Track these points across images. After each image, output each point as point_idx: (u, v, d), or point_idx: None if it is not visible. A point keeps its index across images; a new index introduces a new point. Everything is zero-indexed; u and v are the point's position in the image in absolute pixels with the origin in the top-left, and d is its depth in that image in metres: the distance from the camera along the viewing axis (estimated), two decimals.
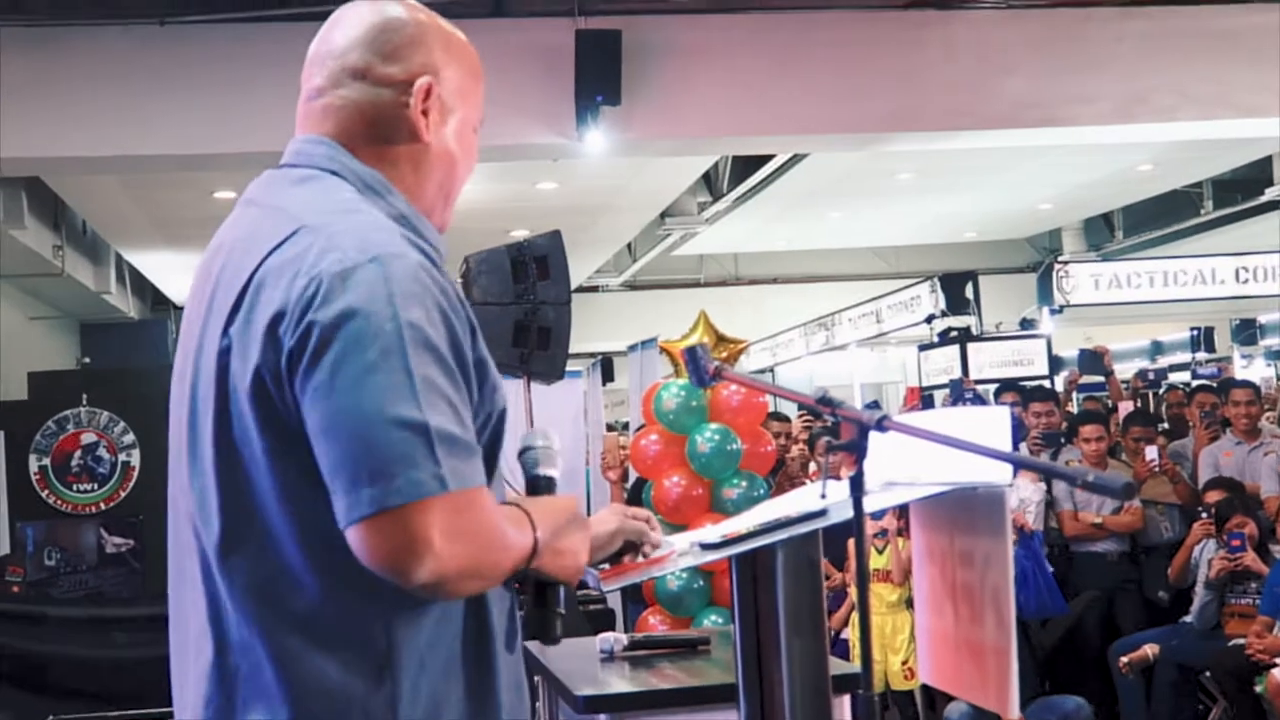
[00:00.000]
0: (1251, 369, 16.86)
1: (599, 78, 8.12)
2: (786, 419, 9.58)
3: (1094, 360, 10.35)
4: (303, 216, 1.82)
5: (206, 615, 1.83)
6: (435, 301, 1.76)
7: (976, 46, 8.86)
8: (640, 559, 2.35)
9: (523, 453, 2.14)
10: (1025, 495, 7.42)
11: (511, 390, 7.39)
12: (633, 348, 10.17)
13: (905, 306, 16.51)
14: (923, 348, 15.15)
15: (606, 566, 2.37)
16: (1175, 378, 15.42)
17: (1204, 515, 7.10)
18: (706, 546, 2.39)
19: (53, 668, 7.32)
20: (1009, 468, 2.21)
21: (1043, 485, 7.55)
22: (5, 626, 7.37)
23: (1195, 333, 16.86)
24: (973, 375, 12.95)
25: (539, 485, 2.13)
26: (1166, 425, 10.13)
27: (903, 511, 6.18)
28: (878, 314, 17.59)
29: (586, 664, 3.77)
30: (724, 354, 6.47)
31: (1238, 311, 17.47)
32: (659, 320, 11.66)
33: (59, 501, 8.22)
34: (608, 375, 11.44)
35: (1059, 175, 14.99)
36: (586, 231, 14.22)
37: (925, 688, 6.90)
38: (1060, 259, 17.15)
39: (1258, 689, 6.39)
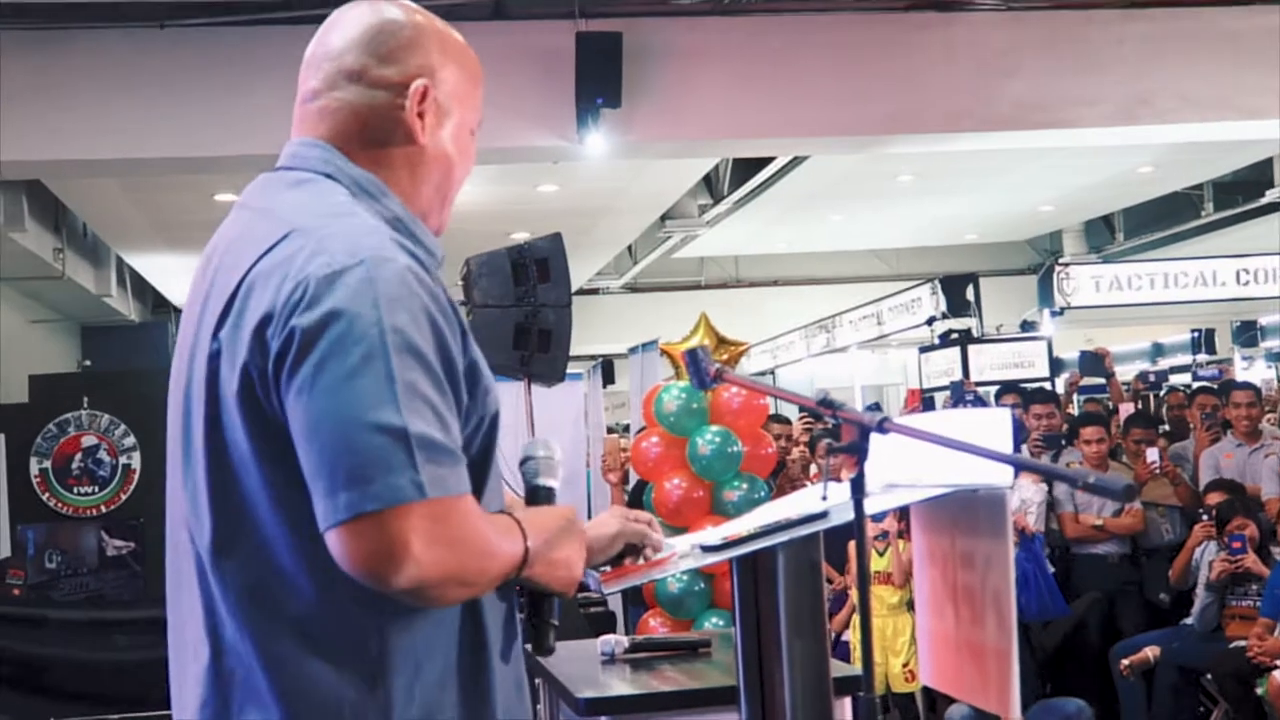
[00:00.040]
0: (1252, 371, 16.86)
1: (599, 80, 8.11)
2: (787, 421, 9.58)
3: (1095, 362, 10.34)
4: (294, 220, 1.82)
5: (203, 618, 1.83)
6: (422, 306, 1.75)
7: (977, 48, 8.86)
8: (641, 561, 2.34)
9: (523, 462, 2.14)
10: (1027, 496, 7.42)
11: (512, 393, 7.45)
12: (633, 350, 10.18)
13: (906, 309, 16.52)
14: (923, 350, 15.16)
15: (607, 569, 2.37)
16: (1176, 380, 15.40)
17: (1205, 517, 7.09)
18: (707, 549, 2.39)
19: (53, 670, 7.32)
20: (1010, 469, 2.20)
21: (1044, 486, 7.55)
22: (6, 629, 7.37)
23: (1196, 334, 16.84)
24: (973, 377, 12.96)
25: (538, 495, 2.13)
26: (1167, 427, 10.13)
27: (903, 513, 6.18)
28: (878, 316, 17.60)
29: (587, 666, 3.78)
30: (725, 356, 6.47)
31: (1238, 313, 17.47)
32: (659, 323, 11.65)
33: (60, 504, 8.23)
34: (608, 377, 11.44)
35: (1060, 177, 14.99)
36: (587, 234, 14.22)
37: (926, 690, 6.90)
38: (1061, 261, 17.15)
39: (1259, 691, 6.39)
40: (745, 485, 6.23)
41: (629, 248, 17.49)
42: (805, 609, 2.38)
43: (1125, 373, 14.08)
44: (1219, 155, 13.93)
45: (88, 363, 16.84)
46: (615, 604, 7.89)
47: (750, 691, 2.40)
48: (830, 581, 7.18)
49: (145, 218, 12.56)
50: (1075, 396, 11.43)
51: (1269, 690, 6.27)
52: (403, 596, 1.70)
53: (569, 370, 7.24)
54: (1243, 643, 6.53)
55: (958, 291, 14.74)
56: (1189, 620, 7.08)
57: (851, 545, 5.77)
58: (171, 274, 15.50)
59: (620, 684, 3.66)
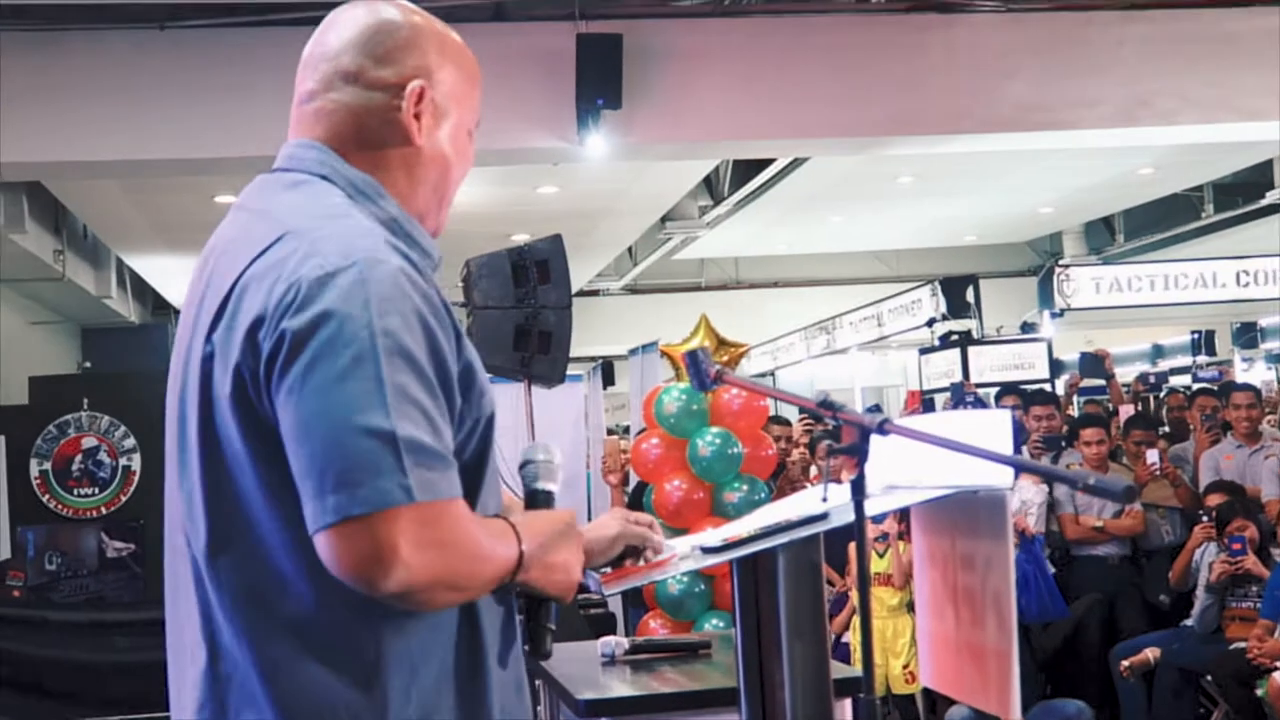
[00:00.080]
0: (1252, 372, 16.86)
1: (600, 81, 8.11)
2: (787, 423, 9.57)
3: (1095, 363, 10.35)
4: (288, 222, 1.82)
5: (199, 621, 1.83)
6: (414, 308, 1.75)
7: (977, 50, 8.86)
8: (642, 563, 2.34)
9: (523, 466, 2.14)
10: (1027, 497, 7.42)
11: (512, 394, 7.45)
12: (633, 351, 10.18)
13: (906, 310, 16.52)
14: (923, 351, 15.16)
15: (608, 570, 2.37)
16: (1176, 381, 15.38)
17: (1205, 519, 7.09)
18: (708, 550, 2.39)
19: (54, 672, 7.32)
20: (1010, 471, 2.20)
21: (1045, 487, 7.55)
22: (6, 631, 7.37)
23: (1196, 336, 16.84)
24: (973, 379, 12.97)
25: (537, 499, 2.12)
26: (1167, 428, 10.14)
27: (904, 515, 6.18)
28: (878, 317, 17.60)
29: (587, 668, 3.78)
30: (725, 358, 6.47)
31: (1238, 315, 17.47)
32: (660, 324, 11.66)
33: (60, 506, 8.23)
34: (608, 379, 11.44)
35: (1060, 179, 14.99)
36: (587, 235, 14.22)
37: (926, 691, 6.90)
38: (1061, 262, 17.15)
39: (1259, 692, 6.39)
40: (745, 487, 6.23)
41: (629, 249, 17.49)
42: (805, 610, 2.38)
43: (1125, 374, 14.09)
44: (1219, 157, 13.93)
45: (88, 364, 16.85)
46: (615, 605, 7.89)
47: (750, 693, 2.40)
48: (831, 584, 7.18)
49: (145, 219, 12.56)
50: (1075, 398, 11.44)
51: (1269, 692, 6.27)
52: (392, 600, 1.70)
53: (569, 372, 7.24)
54: (1243, 644, 6.53)
55: (958, 293, 14.74)
56: (1189, 622, 7.08)
57: (852, 547, 5.77)
58: (172, 275, 15.50)
59: (620, 685, 3.66)
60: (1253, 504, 7.35)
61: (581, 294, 17.05)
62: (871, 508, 2.14)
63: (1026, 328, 16.58)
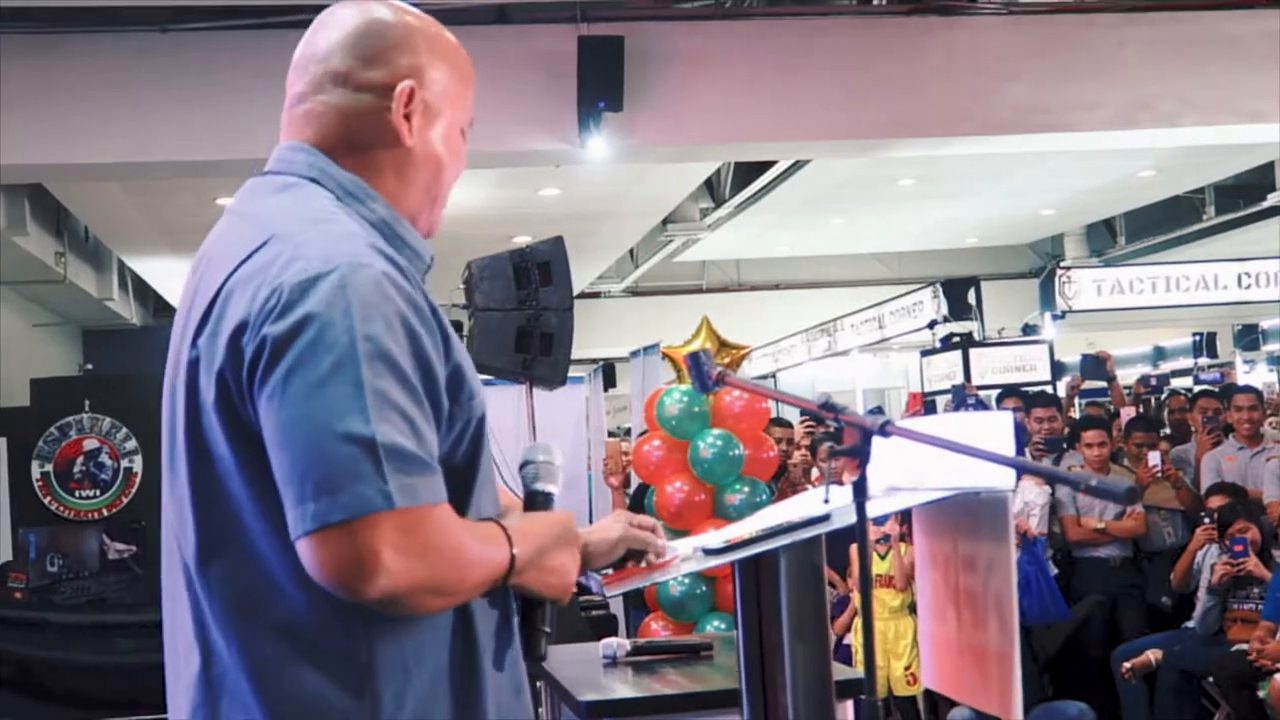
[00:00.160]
0: (1254, 374, 16.85)
1: (601, 84, 8.11)
2: (789, 424, 9.58)
3: (1096, 365, 10.34)
4: (275, 225, 1.81)
5: (193, 625, 1.83)
6: (397, 312, 1.73)
7: (978, 52, 8.87)
8: (643, 565, 2.34)
9: (523, 466, 2.13)
10: (1030, 499, 7.43)
11: (513, 396, 7.45)
12: (635, 354, 10.18)
13: (907, 312, 16.52)
14: (925, 353, 15.17)
15: (609, 571, 2.37)
16: (1177, 383, 15.39)
17: (1206, 520, 7.09)
18: (709, 551, 2.39)
19: (55, 674, 7.32)
20: (1012, 473, 2.20)
21: (1047, 489, 7.56)
22: (7, 633, 7.36)
23: (1197, 338, 16.85)
24: (975, 381, 12.97)
25: (536, 501, 2.11)
26: (1169, 430, 10.14)
27: (905, 517, 6.18)
28: (880, 320, 17.60)
29: (589, 669, 3.78)
30: (726, 360, 6.47)
31: (1240, 317, 17.46)
32: (661, 326, 11.67)
33: (61, 508, 8.23)
34: (610, 381, 11.45)
35: (1061, 181, 15.00)
36: (589, 238, 14.22)
37: (928, 693, 6.89)
38: (1062, 264, 17.15)
39: (1260, 694, 6.39)
40: (747, 489, 6.23)
41: (630, 251, 17.50)
42: (807, 612, 2.38)
43: (1127, 376, 14.08)
44: (1220, 159, 13.93)
45: (89, 366, 16.87)
46: (617, 607, 7.89)
47: (752, 694, 2.40)
48: (833, 586, 7.18)
49: (147, 221, 12.57)
50: (1077, 400, 11.43)
51: (1270, 693, 6.27)
52: (377, 606, 1.69)
53: (570, 374, 7.24)
54: (1244, 646, 6.52)
55: (959, 295, 14.75)
56: (1191, 623, 7.08)
57: (853, 548, 5.76)
58: (173, 278, 15.51)
59: (622, 687, 3.66)
60: (1254, 506, 7.35)
61: (583, 296, 17.06)
62: (873, 509, 2.14)
63: (1028, 330, 16.59)
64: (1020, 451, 6.88)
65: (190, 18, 8.17)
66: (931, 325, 15.12)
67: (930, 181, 14.45)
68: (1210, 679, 6.84)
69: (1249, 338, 17.64)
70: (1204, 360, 16.60)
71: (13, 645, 7.33)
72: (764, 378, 20.83)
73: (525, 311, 6.68)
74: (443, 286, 6.73)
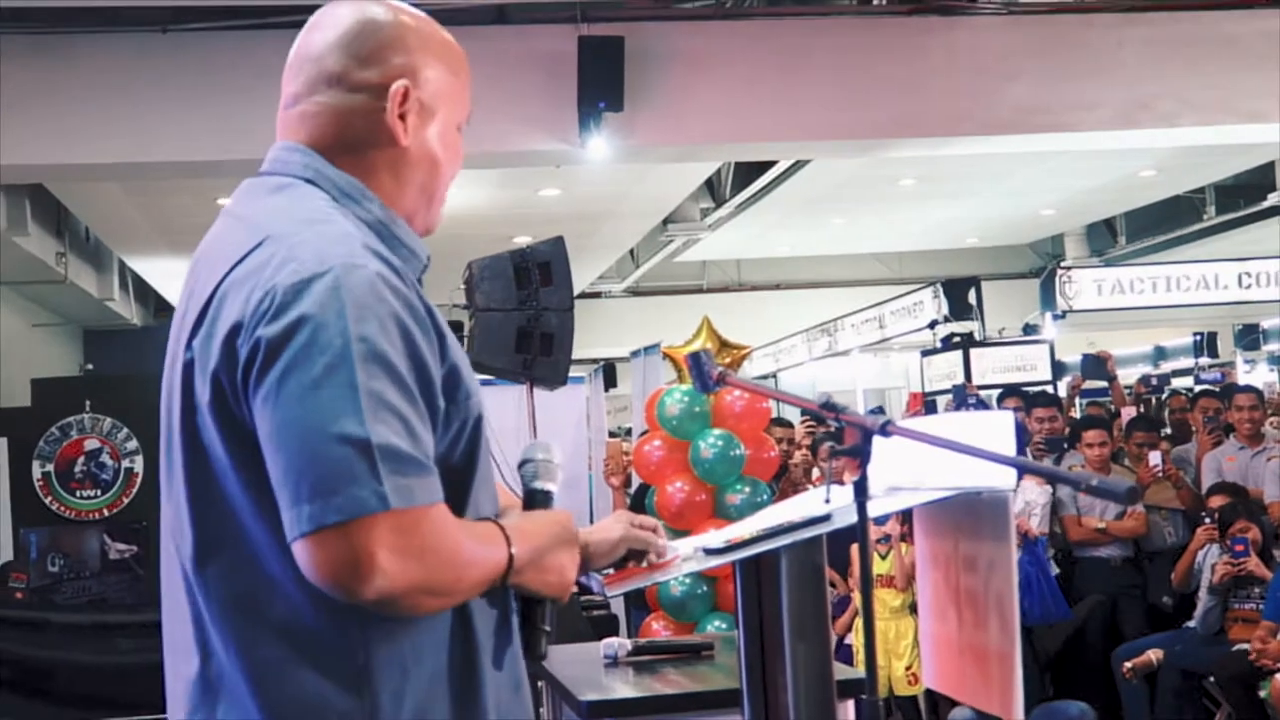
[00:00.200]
0: (1254, 374, 16.85)
1: (602, 84, 8.11)
2: (790, 425, 9.58)
3: (1097, 365, 10.35)
4: (269, 227, 1.81)
5: (192, 626, 1.83)
6: (392, 313, 1.73)
7: (978, 52, 8.87)
8: (644, 565, 2.34)
9: (522, 465, 2.12)
10: (1031, 498, 7.42)
11: (514, 396, 7.45)
12: (635, 354, 10.18)
13: (908, 312, 16.52)
14: (925, 353, 15.17)
15: (610, 571, 2.37)
16: (1178, 383, 15.40)
17: (1207, 520, 7.09)
18: (710, 551, 2.39)
19: (56, 674, 7.31)
20: (1012, 472, 2.20)
21: (1049, 489, 7.55)
22: (8, 633, 7.36)
23: (1198, 338, 16.85)
24: (975, 381, 12.97)
25: (535, 499, 2.10)
26: (1169, 430, 10.14)
27: (906, 517, 6.18)
28: (880, 319, 17.60)
29: (590, 669, 3.78)
30: (727, 360, 6.47)
31: (1240, 316, 17.46)
32: (662, 326, 11.67)
33: (62, 508, 8.23)
34: (610, 381, 11.44)
35: (1061, 181, 15.00)
36: (589, 238, 14.22)
37: (929, 693, 6.90)
38: (1063, 264, 17.15)
39: (1261, 694, 6.39)
40: (748, 489, 6.23)
41: (631, 251, 17.50)
42: (808, 612, 2.38)
43: (1127, 376, 14.08)
44: (1221, 159, 13.93)
45: (90, 366, 16.87)
46: (618, 607, 7.89)
47: (753, 694, 2.40)
48: (834, 586, 7.18)
49: (148, 222, 12.58)
50: (1077, 400, 11.43)
51: (1271, 693, 6.27)
52: (373, 608, 1.69)
53: (571, 374, 7.24)
54: (1245, 646, 6.52)
55: (960, 295, 14.75)
56: (1191, 623, 7.08)
57: (854, 548, 5.77)
58: (174, 278, 15.51)
59: (623, 687, 3.66)
60: (1255, 505, 7.35)
61: (583, 296, 17.06)
62: (874, 509, 2.14)
63: (1028, 330, 16.59)
64: (1021, 451, 6.88)
65: (190, 18, 8.17)
66: (932, 325, 15.12)
67: (931, 181, 14.45)
68: (1211, 679, 6.84)
69: (1249, 337, 17.64)
70: (1205, 360, 16.60)
71: (13, 645, 7.32)
72: (765, 378, 20.83)
73: (526, 311, 6.67)
74: (443, 287, 6.73)
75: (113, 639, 7.26)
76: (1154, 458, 7.78)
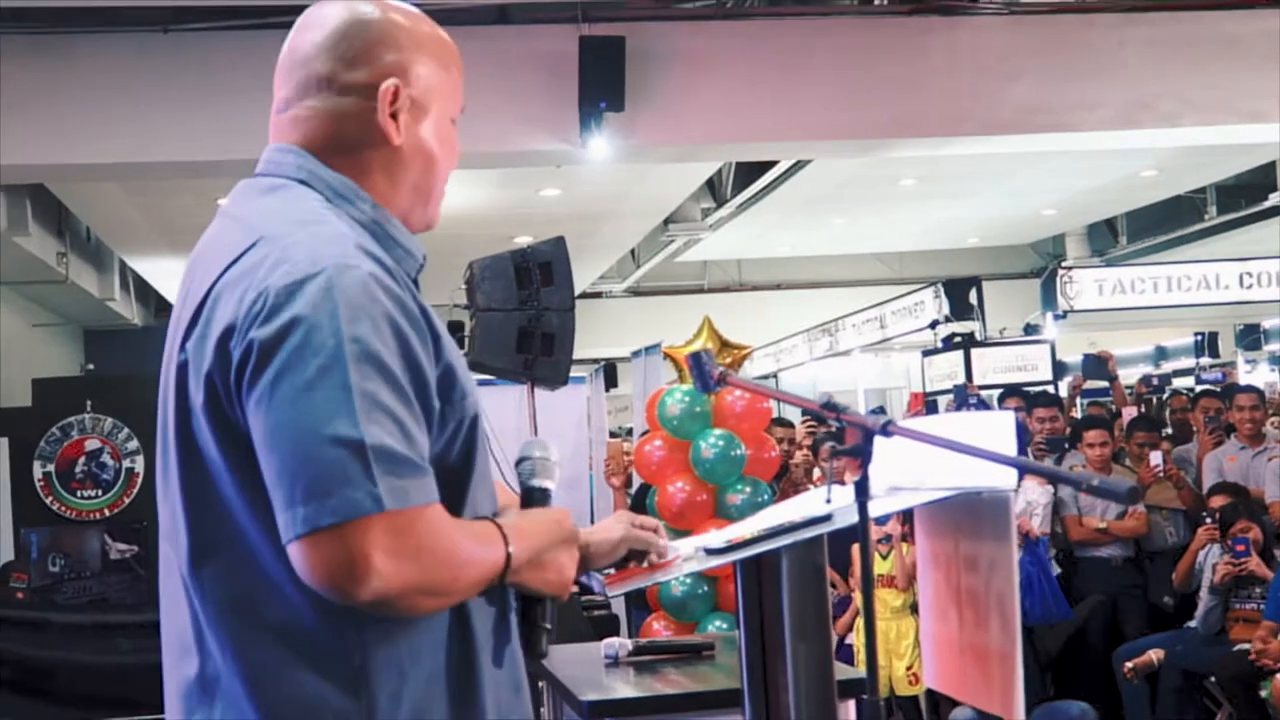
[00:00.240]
0: (1255, 374, 16.85)
1: (603, 84, 8.11)
2: (790, 425, 9.58)
3: (1098, 365, 10.35)
4: (263, 228, 1.81)
5: (189, 628, 1.83)
6: (385, 313, 1.72)
7: (980, 52, 8.87)
8: (645, 565, 2.34)
9: (519, 463, 2.12)
10: (1032, 498, 7.42)
11: (515, 396, 7.45)
12: (636, 354, 10.17)
13: (909, 312, 16.52)
14: (926, 353, 15.17)
15: (611, 571, 2.37)
16: (1179, 383, 15.40)
17: (1208, 520, 7.09)
18: (711, 551, 2.39)
19: (57, 674, 7.32)
20: (1013, 472, 2.20)
21: (1050, 489, 7.55)
22: (9, 633, 7.36)
23: (1199, 338, 16.85)
24: (976, 381, 12.97)
25: (533, 497, 2.10)
26: (1170, 430, 10.14)
27: (907, 517, 6.18)
28: (881, 319, 17.60)
29: (591, 669, 3.77)
30: (728, 360, 6.46)
31: (1241, 317, 17.47)
32: (663, 326, 11.67)
33: (63, 508, 8.23)
34: (611, 381, 11.45)
35: (1062, 181, 14.99)
36: (590, 238, 14.22)
37: (930, 693, 6.89)
38: (1064, 264, 17.15)
39: (1262, 694, 6.39)
40: (748, 489, 6.23)
41: (632, 251, 17.50)
42: (809, 612, 2.38)
43: (1128, 376, 14.08)
44: (1222, 159, 13.93)
45: (91, 366, 16.87)
46: (619, 607, 7.89)
47: (754, 694, 2.40)
48: (835, 586, 7.18)
49: (148, 222, 12.58)
50: (1078, 400, 11.43)
51: (1273, 693, 6.27)
52: (370, 609, 1.69)
53: (572, 374, 7.23)
54: (1246, 646, 6.52)
55: (961, 295, 14.75)
56: (1193, 623, 7.07)
57: (855, 548, 5.77)
58: (174, 278, 15.39)
59: (624, 687, 3.66)
60: (1256, 505, 7.35)
61: (584, 296, 17.06)
62: (875, 509, 2.14)
63: (1029, 330, 16.60)
64: (1022, 451, 6.89)
65: (191, 18, 8.17)
66: (933, 325, 15.12)
67: (932, 181, 14.45)
68: (1212, 679, 6.84)
69: (1250, 337, 17.64)
70: (1206, 360, 16.60)
71: (14, 645, 7.32)
72: (765, 378, 20.83)
73: (527, 312, 6.67)
74: (444, 287, 6.74)
75: (113, 639, 7.27)
76: (1155, 458, 7.78)
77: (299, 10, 1.99)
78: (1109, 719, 7.22)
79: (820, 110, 8.79)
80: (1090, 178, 14.86)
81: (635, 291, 20.47)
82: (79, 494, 8.24)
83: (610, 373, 11.34)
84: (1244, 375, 16.33)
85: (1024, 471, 2.42)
